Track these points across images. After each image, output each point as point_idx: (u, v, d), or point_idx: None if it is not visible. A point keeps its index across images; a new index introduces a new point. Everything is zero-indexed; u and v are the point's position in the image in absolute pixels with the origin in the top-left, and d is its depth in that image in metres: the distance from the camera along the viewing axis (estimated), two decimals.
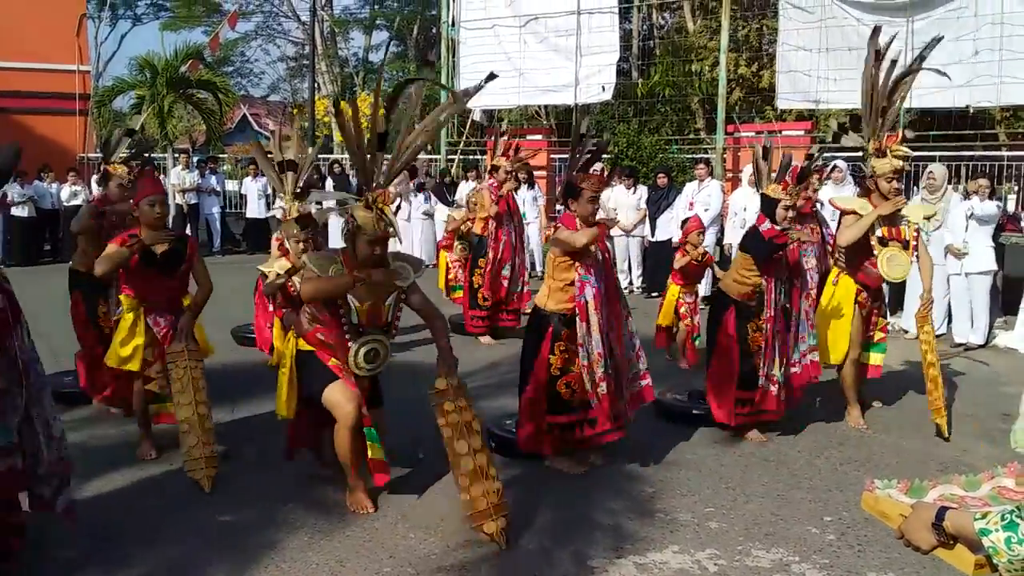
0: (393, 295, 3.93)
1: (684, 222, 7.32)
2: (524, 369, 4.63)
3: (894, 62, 5.13)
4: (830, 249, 6.15)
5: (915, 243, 5.34)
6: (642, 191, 11.12)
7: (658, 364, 6.84)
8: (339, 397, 3.88)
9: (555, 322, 4.49)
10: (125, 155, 5.73)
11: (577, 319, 4.33)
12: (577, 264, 4.34)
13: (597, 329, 4.28)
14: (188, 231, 12.77)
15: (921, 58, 5.15)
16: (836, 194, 8.74)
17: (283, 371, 4.16)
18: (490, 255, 7.85)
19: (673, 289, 7.02)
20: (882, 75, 5.16)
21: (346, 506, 4.07)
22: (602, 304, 4.33)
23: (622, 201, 10.98)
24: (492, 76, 3.93)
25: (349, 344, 3.86)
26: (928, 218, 5.69)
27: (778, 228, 4.89)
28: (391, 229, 3.73)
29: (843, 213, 5.39)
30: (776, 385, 5.06)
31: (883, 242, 5.26)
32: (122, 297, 4.67)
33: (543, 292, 4.59)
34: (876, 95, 5.18)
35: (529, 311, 4.96)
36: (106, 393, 5.37)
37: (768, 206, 4.98)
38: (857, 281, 5.42)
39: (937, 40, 5.31)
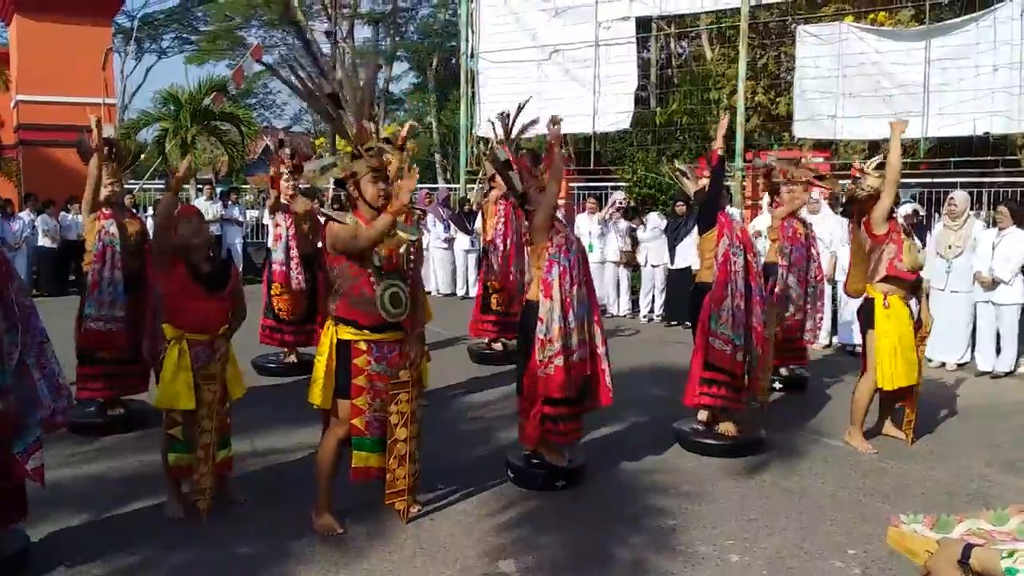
0: (404, 245, 4.08)
1: None
2: (519, 364, 4.77)
3: None
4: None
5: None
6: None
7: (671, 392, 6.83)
8: (348, 413, 4.01)
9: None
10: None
11: (541, 295, 4.50)
12: (547, 244, 4.53)
13: (559, 305, 4.45)
14: None
15: None
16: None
17: (320, 359, 4.08)
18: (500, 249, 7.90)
19: None
20: None
21: (365, 536, 4.05)
22: (568, 282, 4.49)
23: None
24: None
25: (375, 288, 3.94)
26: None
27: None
28: (385, 155, 4.00)
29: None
30: (740, 352, 5.28)
31: (907, 232, 5.47)
32: (165, 327, 4.41)
33: (532, 285, 4.71)
34: None
35: None
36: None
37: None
38: (893, 281, 5.41)
39: None
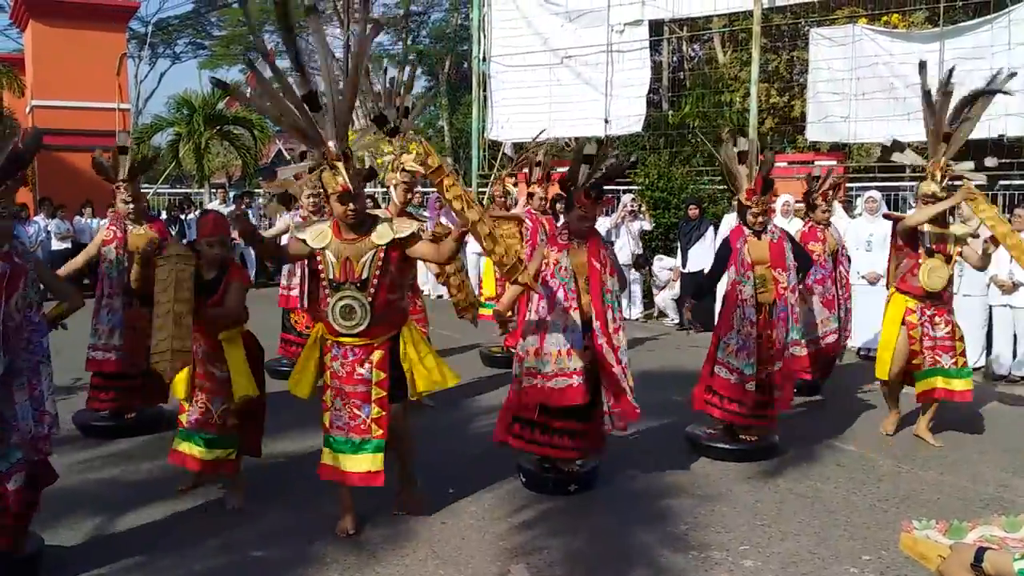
0: (370, 253, 3.91)
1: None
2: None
3: (948, 94, 5.41)
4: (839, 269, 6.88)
5: (956, 257, 5.70)
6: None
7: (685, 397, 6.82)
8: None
9: None
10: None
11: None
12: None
13: (534, 328, 4.56)
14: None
15: (989, 89, 5.41)
16: (870, 225, 8.68)
17: (304, 351, 4.23)
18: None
19: None
20: (941, 101, 5.42)
21: (378, 540, 4.06)
22: (545, 309, 4.51)
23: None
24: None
25: (327, 299, 3.96)
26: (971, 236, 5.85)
27: (747, 229, 5.34)
28: (345, 183, 3.76)
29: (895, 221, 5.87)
30: (751, 382, 5.23)
31: (929, 253, 5.59)
32: None
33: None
34: (937, 120, 5.46)
35: None
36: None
37: (740, 212, 5.42)
38: (902, 291, 5.74)
39: (1011, 75, 5.56)
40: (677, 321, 11.02)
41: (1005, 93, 5.59)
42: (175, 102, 17.49)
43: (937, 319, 5.68)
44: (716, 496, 4.75)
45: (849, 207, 10.53)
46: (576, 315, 4.50)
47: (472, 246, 13.34)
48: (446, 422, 6.16)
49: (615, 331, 4.54)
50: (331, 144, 3.77)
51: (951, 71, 5.49)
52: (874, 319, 8.66)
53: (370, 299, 3.91)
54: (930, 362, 5.67)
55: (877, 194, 8.97)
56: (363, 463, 4.01)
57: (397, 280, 4.02)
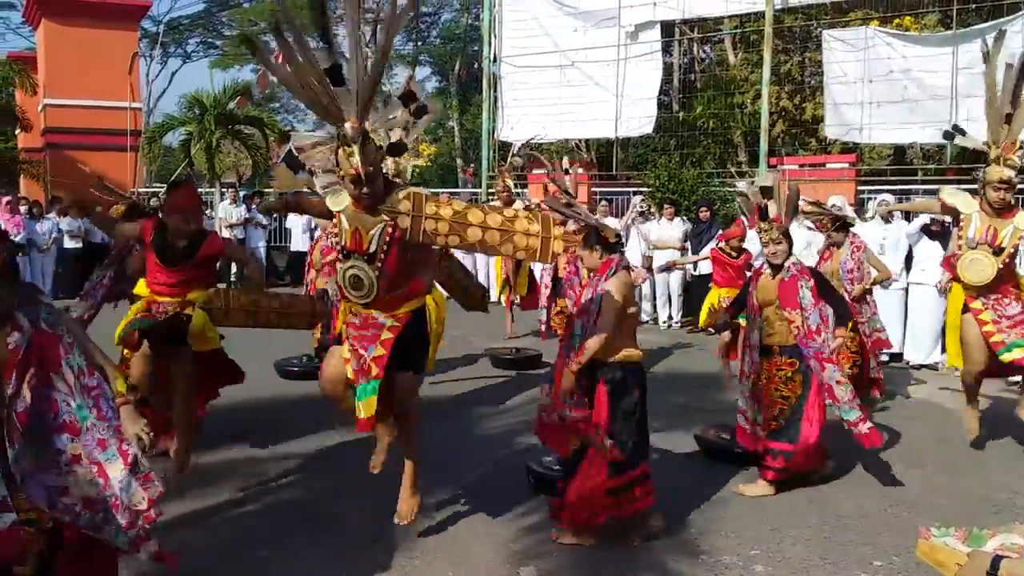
0: (379, 226, 3.74)
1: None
2: None
3: (1010, 65, 5.08)
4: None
5: (1012, 251, 5.31)
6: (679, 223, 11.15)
7: (692, 400, 6.79)
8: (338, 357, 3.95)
9: None
10: None
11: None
12: None
13: None
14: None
15: None
16: (882, 228, 8.64)
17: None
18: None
19: (713, 294, 7.16)
20: (1003, 79, 5.10)
21: (387, 540, 4.05)
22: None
23: (666, 234, 10.98)
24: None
25: (338, 265, 3.89)
26: None
27: (766, 266, 4.93)
28: (357, 167, 3.60)
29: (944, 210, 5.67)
30: (751, 424, 4.95)
31: (971, 245, 5.29)
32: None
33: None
34: (997, 100, 5.16)
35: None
36: None
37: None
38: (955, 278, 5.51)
39: None
40: (669, 319, 11.11)
41: None
42: (186, 101, 17.52)
43: (1005, 299, 5.30)
44: (725, 500, 4.73)
45: (861, 210, 10.48)
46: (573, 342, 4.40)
47: None
48: (456, 423, 6.15)
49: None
50: (348, 125, 3.59)
51: None
52: (887, 322, 8.67)
53: (376, 272, 3.77)
54: (1014, 336, 5.21)
55: (891, 198, 8.93)
56: (360, 408, 3.84)
57: (407, 256, 3.85)
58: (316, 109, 3.66)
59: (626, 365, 4.12)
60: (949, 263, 5.57)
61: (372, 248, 3.76)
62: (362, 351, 3.83)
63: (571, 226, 4.24)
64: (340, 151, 3.63)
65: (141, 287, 4.79)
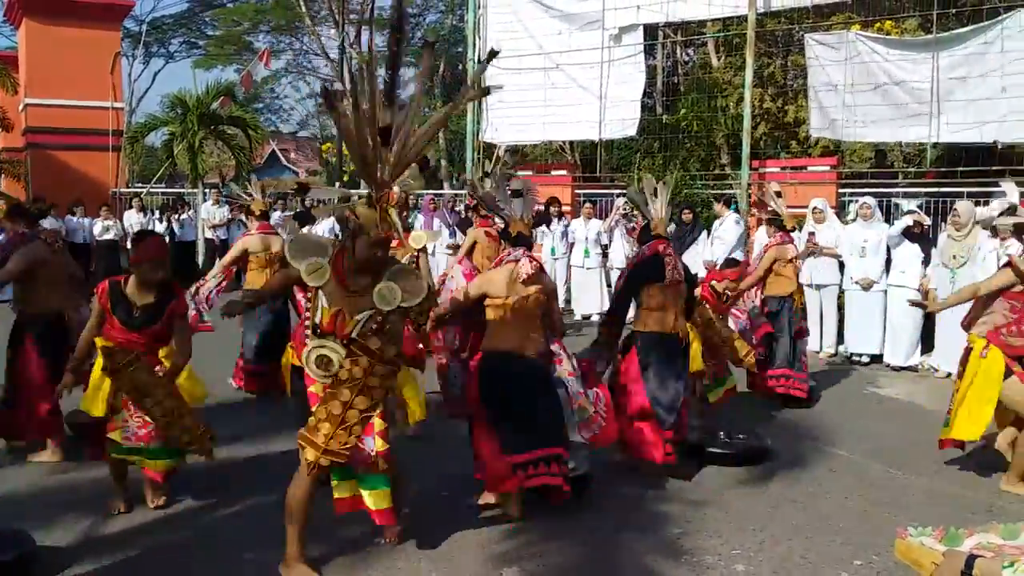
0: (367, 313, 3.57)
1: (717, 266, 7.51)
2: None
3: None
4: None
5: None
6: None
7: None
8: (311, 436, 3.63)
9: None
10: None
11: None
12: None
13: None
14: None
15: None
16: (864, 229, 8.71)
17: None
18: None
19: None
20: None
21: (370, 544, 4.05)
22: None
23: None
24: (494, 54, 3.79)
25: (306, 343, 3.65)
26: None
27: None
28: (393, 231, 3.54)
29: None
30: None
31: None
32: (98, 341, 4.44)
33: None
34: None
35: None
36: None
37: None
38: (995, 344, 4.97)
39: None
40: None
41: None
42: (169, 101, 17.47)
43: None
44: (708, 501, 4.76)
45: (842, 213, 10.57)
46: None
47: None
48: (439, 426, 6.14)
49: None
50: (396, 189, 3.53)
51: None
52: (867, 324, 8.77)
53: (352, 354, 3.56)
54: None
55: (872, 200, 9.00)
56: (368, 499, 3.88)
57: (390, 339, 3.65)
58: (358, 163, 3.56)
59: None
60: (998, 338, 4.96)
61: (354, 335, 3.56)
62: (361, 445, 3.70)
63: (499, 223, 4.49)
64: (364, 210, 3.50)
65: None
